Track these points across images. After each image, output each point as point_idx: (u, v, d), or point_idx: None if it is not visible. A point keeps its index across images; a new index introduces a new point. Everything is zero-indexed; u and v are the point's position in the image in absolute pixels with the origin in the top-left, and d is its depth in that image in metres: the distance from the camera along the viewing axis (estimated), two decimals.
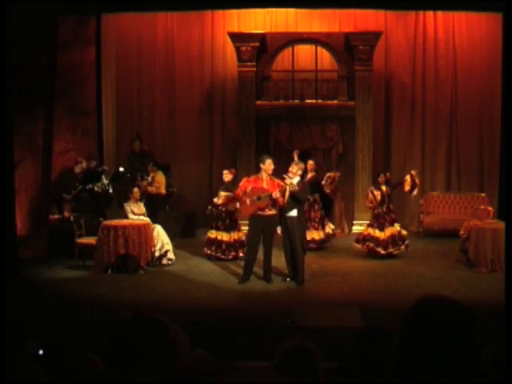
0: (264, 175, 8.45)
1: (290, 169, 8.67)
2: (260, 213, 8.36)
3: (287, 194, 8.29)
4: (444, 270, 9.22)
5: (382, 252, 9.85)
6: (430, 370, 1.65)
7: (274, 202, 8.33)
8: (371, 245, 9.95)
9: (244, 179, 8.95)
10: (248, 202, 8.37)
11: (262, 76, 12.82)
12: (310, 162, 10.67)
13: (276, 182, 8.44)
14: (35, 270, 9.30)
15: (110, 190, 11.66)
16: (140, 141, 12.67)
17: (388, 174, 10.37)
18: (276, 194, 8.20)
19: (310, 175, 10.46)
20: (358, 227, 12.47)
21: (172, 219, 11.85)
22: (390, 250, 9.89)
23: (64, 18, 11.01)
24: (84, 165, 11.68)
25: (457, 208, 12.61)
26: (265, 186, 8.39)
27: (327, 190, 10.88)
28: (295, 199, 8.39)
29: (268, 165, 8.41)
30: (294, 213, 8.39)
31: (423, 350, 1.65)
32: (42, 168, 10.48)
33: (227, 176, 10.10)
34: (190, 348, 2.37)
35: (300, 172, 8.83)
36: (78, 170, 11.60)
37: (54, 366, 2.71)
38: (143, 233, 9.28)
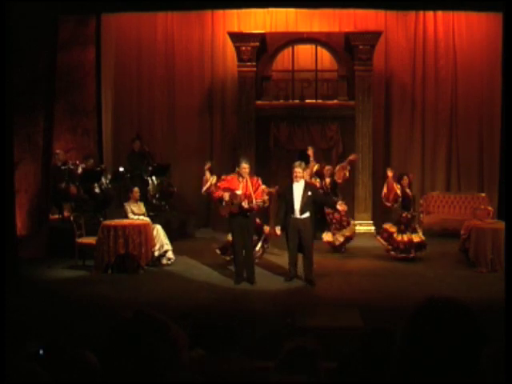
0: (240, 177, 8.47)
1: (296, 173, 8.38)
2: (237, 212, 8.36)
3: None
4: (444, 269, 9.21)
5: (394, 254, 9.75)
6: (430, 369, 1.65)
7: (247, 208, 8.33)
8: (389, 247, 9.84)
9: (221, 178, 8.97)
10: (224, 203, 8.40)
11: (262, 76, 12.82)
12: (327, 168, 10.55)
13: (254, 182, 8.44)
14: (35, 269, 9.30)
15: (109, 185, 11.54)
16: (140, 141, 12.64)
17: (411, 176, 10.04)
18: (245, 205, 8.25)
19: (328, 180, 10.36)
20: (358, 227, 12.46)
21: (172, 219, 11.85)
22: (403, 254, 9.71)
23: (64, 18, 11.02)
24: (61, 157, 11.42)
25: (457, 208, 12.60)
26: (240, 188, 8.36)
27: (338, 179, 10.41)
28: (326, 204, 8.75)
29: (242, 169, 8.42)
30: (307, 214, 8.39)
31: (424, 350, 1.64)
32: (41, 168, 10.48)
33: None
34: (189, 348, 2.37)
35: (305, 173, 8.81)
36: (59, 163, 11.31)
37: (53, 365, 2.71)
38: (143, 233, 9.27)
